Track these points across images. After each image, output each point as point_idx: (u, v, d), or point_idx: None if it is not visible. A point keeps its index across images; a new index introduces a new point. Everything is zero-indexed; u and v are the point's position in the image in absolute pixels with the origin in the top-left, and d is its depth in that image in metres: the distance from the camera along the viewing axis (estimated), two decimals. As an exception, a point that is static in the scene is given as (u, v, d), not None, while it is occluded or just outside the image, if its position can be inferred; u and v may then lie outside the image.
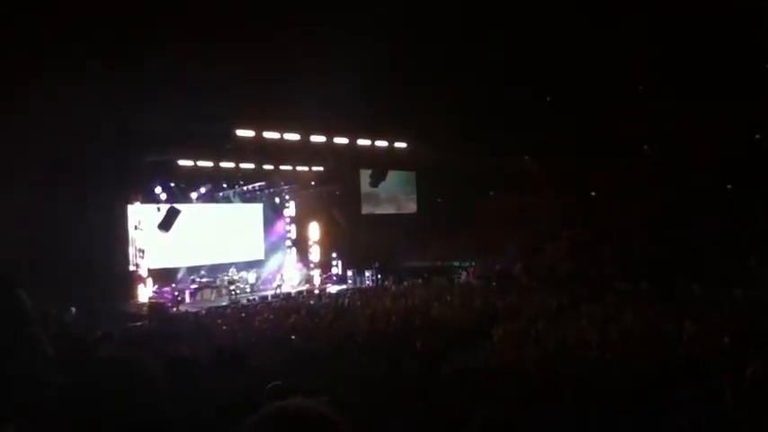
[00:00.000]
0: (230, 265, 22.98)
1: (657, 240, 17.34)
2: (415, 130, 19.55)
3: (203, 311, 17.98)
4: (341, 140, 18.88)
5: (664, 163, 18.58)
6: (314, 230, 24.91)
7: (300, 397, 1.44)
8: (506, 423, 2.67)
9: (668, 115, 17.54)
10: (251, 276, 22.93)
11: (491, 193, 23.94)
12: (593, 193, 21.38)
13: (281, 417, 1.32)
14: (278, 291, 22.33)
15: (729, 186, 18.29)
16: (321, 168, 22.81)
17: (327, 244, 24.79)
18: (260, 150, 18.38)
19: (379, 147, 19.86)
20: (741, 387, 4.30)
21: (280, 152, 18.77)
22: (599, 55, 16.96)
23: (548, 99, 19.55)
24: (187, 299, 21.00)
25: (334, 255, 24.88)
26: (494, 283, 18.42)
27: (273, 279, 23.27)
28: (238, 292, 21.71)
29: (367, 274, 23.57)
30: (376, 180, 22.02)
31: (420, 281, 19.96)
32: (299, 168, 22.47)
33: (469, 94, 18.27)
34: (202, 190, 21.89)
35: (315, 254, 24.95)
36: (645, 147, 19.51)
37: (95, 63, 13.40)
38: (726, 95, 16.13)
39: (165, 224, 19.28)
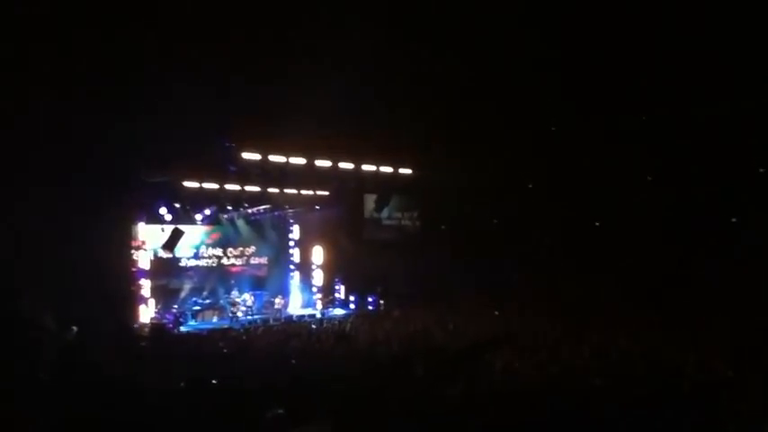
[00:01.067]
0: (233, 286, 22.99)
1: (655, 261, 17.33)
2: (420, 157, 19.66)
3: (204, 333, 17.96)
4: (346, 165, 19.01)
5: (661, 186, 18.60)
6: (317, 254, 24.92)
7: (303, 426, 1.46)
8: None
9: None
10: (253, 299, 22.89)
11: (495, 220, 23.95)
12: (596, 224, 21.38)
13: None
14: (280, 314, 22.28)
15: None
16: (326, 192, 22.94)
17: (330, 268, 24.78)
18: (265, 174, 18.51)
19: (383, 172, 19.98)
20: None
21: (285, 176, 18.89)
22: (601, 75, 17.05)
23: (552, 129, 19.66)
24: (189, 320, 20.97)
25: (336, 279, 24.85)
26: (496, 312, 18.38)
27: (275, 302, 23.23)
28: (240, 314, 21.67)
29: (369, 298, 23.52)
30: (380, 205, 22.09)
31: (422, 305, 19.89)
32: (303, 192, 22.60)
33: (476, 119, 18.39)
34: (207, 212, 21.99)
35: (318, 278, 24.93)
36: (647, 177, 19.54)
37: (101, 83, 13.55)
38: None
39: (169, 245, 19.37)
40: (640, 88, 17.21)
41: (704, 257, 16.31)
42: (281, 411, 3.40)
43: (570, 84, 17.32)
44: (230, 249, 24.30)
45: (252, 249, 24.86)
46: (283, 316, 22.07)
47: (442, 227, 24.27)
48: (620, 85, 17.28)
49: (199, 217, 21.97)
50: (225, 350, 13.92)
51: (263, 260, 25.22)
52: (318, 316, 22.21)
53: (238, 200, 21.85)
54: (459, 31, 15.99)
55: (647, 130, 17.95)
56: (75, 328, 14.00)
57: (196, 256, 23.25)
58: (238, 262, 24.53)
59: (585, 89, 17.50)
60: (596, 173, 19.34)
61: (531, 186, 22.40)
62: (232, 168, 18.05)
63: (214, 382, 9.27)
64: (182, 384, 8.84)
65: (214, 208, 21.98)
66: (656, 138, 17.88)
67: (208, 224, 23.15)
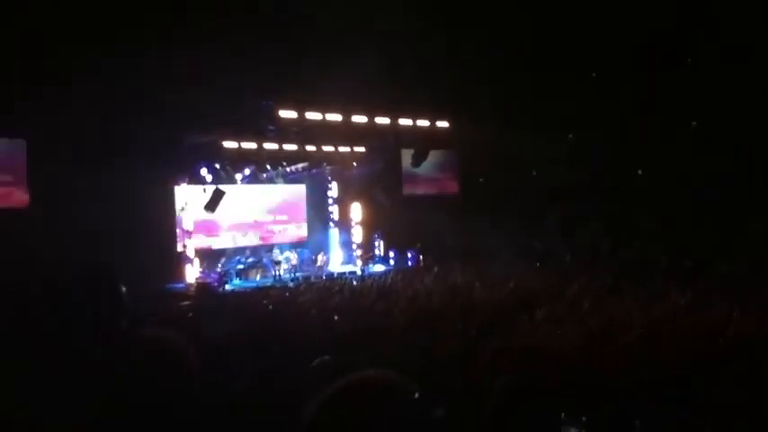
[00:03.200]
0: (274, 245, 23.34)
1: (700, 217, 16.96)
2: (457, 109, 19.40)
3: (248, 291, 18.36)
4: (382, 120, 18.89)
5: (708, 137, 18.04)
6: (356, 211, 25.04)
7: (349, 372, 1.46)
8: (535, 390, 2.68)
9: (713, 84, 16.98)
10: (295, 256, 23.22)
11: (534, 172, 23.62)
12: (639, 172, 20.93)
13: (360, 386, 1.35)
14: (321, 271, 22.60)
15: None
16: (363, 149, 22.92)
17: (369, 224, 24.91)
18: (302, 131, 18.57)
19: (420, 126, 19.80)
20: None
21: (322, 132, 18.92)
22: (643, 30, 16.50)
23: (593, 75, 19.12)
24: (233, 279, 21.44)
25: (376, 235, 24.99)
26: (537, 264, 18.28)
27: (316, 259, 23.53)
28: (282, 272, 22.05)
29: (409, 254, 23.64)
30: (417, 160, 21.97)
31: (462, 261, 19.90)
32: (341, 149, 22.62)
33: (510, 70, 18.00)
34: (247, 171, 22.24)
35: (357, 234, 25.11)
36: (693, 123, 18.95)
37: (140, 44, 13.64)
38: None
39: (211, 205, 19.70)
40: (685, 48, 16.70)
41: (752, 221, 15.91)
42: (327, 358, 3.44)
43: (616, 39, 16.80)
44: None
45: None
46: (324, 273, 22.36)
47: (481, 180, 24.06)
48: (668, 46, 16.75)
49: (239, 177, 22.23)
50: (270, 306, 14.21)
51: (304, 218, 25.48)
52: (359, 272, 22.43)
53: (277, 158, 22.02)
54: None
55: (692, 86, 17.38)
56: (123, 288, 14.43)
57: (238, 216, 23.60)
58: (279, 220, 24.83)
59: (629, 47, 16.97)
60: (643, 130, 18.85)
61: (573, 140, 21.96)
62: (270, 127, 18.14)
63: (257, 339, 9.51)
64: (227, 338, 9.10)
65: (253, 167, 22.19)
66: (701, 95, 17.35)
67: (248, 184, 23.41)
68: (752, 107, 16.46)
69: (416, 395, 1.39)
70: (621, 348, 6.00)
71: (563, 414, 4.22)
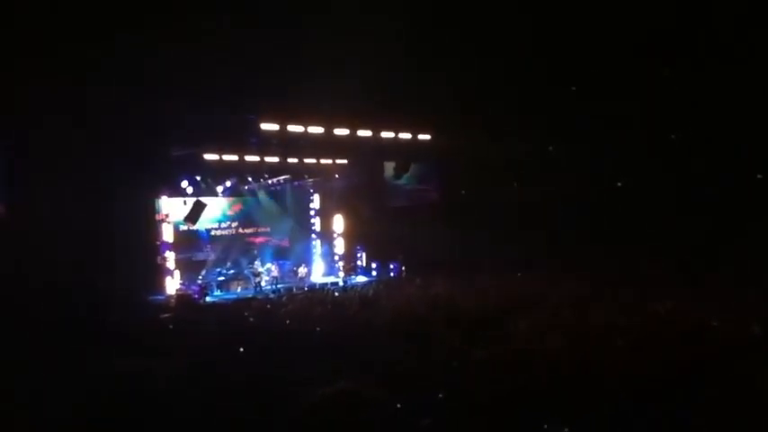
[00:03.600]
0: (256, 257, 23.24)
1: (686, 224, 17.20)
2: (438, 121, 19.53)
3: (229, 303, 18.24)
4: (364, 133, 18.96)
5: (693, 146, 18.32)
6: (338, 223, 25.04)
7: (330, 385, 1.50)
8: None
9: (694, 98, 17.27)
10: (276, 268, 23.13)
11: (515, 184, 23.80)
12: (618, 184, 21.18)
13: (333, 400, 1.39)
14: (303, 282, 22.53)
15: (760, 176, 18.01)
16: (345, 161, 22.98)
17: (351, 236, 24.91)
18: (284, 144, 18.57)
19: (402, 139, 19.91)
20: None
21: (303, 145, 18.93)
22: (625, 39, 16.76)
23: (573, 89, 19.36)
24: (214, 290, 21.30)
25: (358, 247, 25.00)
26: (519, 275, 18.40)
27: (298, 271, 23.47)
28: (264, 283, 21.95)
29: (391, 265, 23.68)
30: (399, 172, 22.06)
31: (444, 271, 19.96)
32: (322, 161, 22.66)
33: (492, 82, 18.18)
34: (228, 183, 22.16)
35: (339, 246, 25.10)
36: (672, 136, 19.25)
37: (122, 57, 13.61)
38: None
39: (192, 217, 19.61)
40: (678, 56, 16.97)
41: (735, 225, 16.17)
42: (310, 374, 3.46)
43: (597, 49, 17.04)
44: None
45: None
46: (306, 284, 22.31)
47: (463, 192, 24.19)
48: (657, 49, 17.01)
49: (220, 189, 22.15)
50: (251, 319, 14.13)
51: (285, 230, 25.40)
52: (341, 283, 22.41)
53: (259, 171, 22.00)
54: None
55: (680, 92, 17.66)
56: (101, 299, 14.30)
57: (219, 228, 23.48)
58: (261, 232, 24.74)
59: (613, 53, 17.21)
60: (624, 138, 19.09)
61: (553, 151, 22.18)
62: (252, 140, 18.13)
63: (241, 349, 9.46)
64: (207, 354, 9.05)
65: (235, 179, 22.13)
66: (686, 101, 17.61)
67: (229, 196, 23.33)
68: (742, 115, 16.74)
69: (389, 405, 1.42)
70: (604, 354, 6.07)
71: (546, 424, 4.27)
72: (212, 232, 23.16)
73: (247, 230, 24.35)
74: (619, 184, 21.32)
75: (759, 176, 17.75)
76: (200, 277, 21.67)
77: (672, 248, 16.92)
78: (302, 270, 23.42)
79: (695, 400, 4.52)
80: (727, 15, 15.15)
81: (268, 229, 24.89)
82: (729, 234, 16.03)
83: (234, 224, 23.99)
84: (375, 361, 6.65)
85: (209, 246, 22.88)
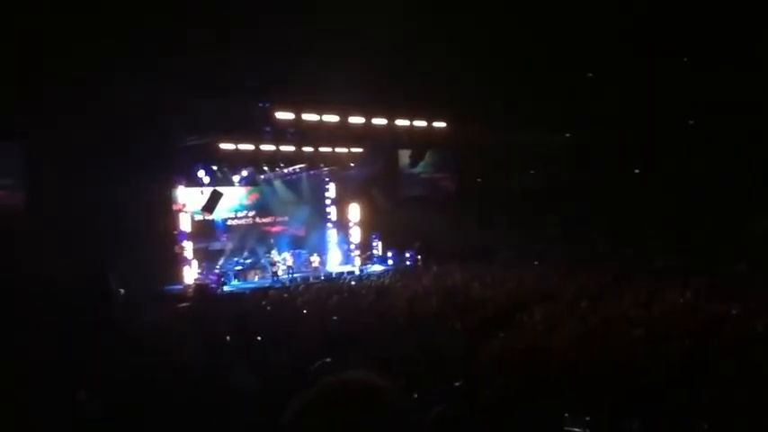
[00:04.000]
0: (272, 246, 23.29)
1: (699, 216, 17.01)
2: (454, 109, 19.41)
3: (247, 292, 18.36)
4: (379, 121, 18.89)
5: (707, 136, 18.09)
6: (354, 212, 25.02)
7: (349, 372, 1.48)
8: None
9: (710, 86, 17.04)
10: (292, 257, 23.19)
11: (531, 171, 23.66)
12: (636, 171, 20.97)
13: (330, 390, 1.37)
14: (319, 272, 22.58)
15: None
16: (360, 149, 22.94)
17: (367, 225, 24.89)
18: (299, 132, 18.56)
19: (417, 127, 19.81)
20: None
21: (319, 134, 18.91)
22: (640, 27, 16.56)
23: (588, 75, 19.17)
24: (231, 280, 21.41)
25: (374, 236, 24.98)
26: (535, 263, 18.31)
27: (314, 260, 23.51)
28: (280, 273, 22.01)
29: (407, 254, 23.65)
30: (415, 160, 21.99)
31: (460, 261, 19.92)
32: (338, 150, 22.63)
33: (509, 70, 18.04)
34: (244, 173, 22.20)
35: (355, 235, 25.10)
36: (690, 121, 19.00)
37: (137, 48, 13.66)
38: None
39: (209, 207, 19.70)
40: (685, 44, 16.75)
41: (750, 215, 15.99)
42: (327, 360, 3.45)
43: (610, 37, 16.87)
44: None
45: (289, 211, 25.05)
46: (323, 273, 22.34)
47: (479, 180, 24.09)
48: (664, 38, 16.79)
49: (236, 178, 22.21)
50: (268, 308, 14.21)
51: (301, 219, 25.44)
52: (357, 273, 22.43)
53: (274, 160, 22.01)
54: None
55: (690, 81, 17.43)
56: (122, 290, 14.45)
57: (236, 217, 23.57)
58: (277, 221, 24.81)
59: (637, 39, 17.01)
60: (640, 128, 18.89)
61: (570, 139, 21.97)
62: (267, 129, 18.14)
63: (259, 338, 9.53)
64: (228, 339, 9.13)
65: (251, 169, 22.16)
66: (697, 91, 17.40)
67: (245, 185, 23.39)
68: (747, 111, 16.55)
69: (397, 396, 1.40)
70: (620, 347, 6.02)
71: (566, 414, 4.24)
72: (229, 222, 23.24)
73: (264, 220, 24.41)
74: (637, 171, 21.11)
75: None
76: (218, 267, 21.78)
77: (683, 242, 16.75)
78: (318, 259, 23.46)
79: (700, 399, 4.47)
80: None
81: (284, 219, 24.93)
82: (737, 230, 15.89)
83: (251, 213, 24.05)
84: (389, 352, 6.66)
85: (226, 235, 22.98)
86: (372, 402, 1.35)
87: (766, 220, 15.49)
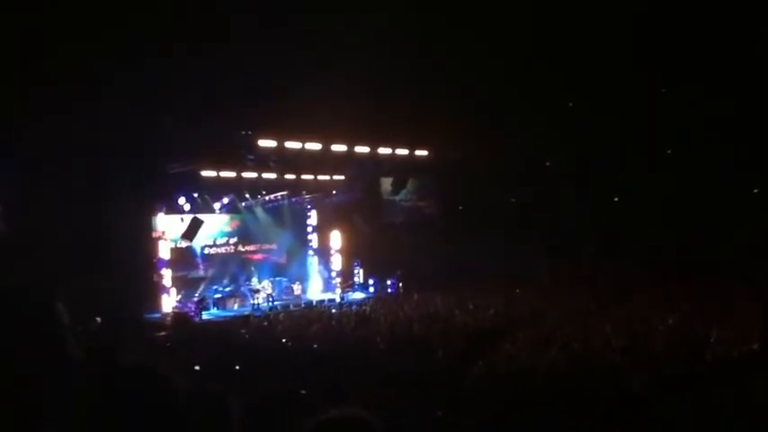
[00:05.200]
0: (252, 274, 23.11)
1: (684, 240, 17.19)
2: (436, 137, 19.57)
3: (226, 321, 18.14)
4: (362, 149, 18.99)
5: (689, 162, 18.36)
6: (335, 239, 24.96)
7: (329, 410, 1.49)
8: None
9: (689, 116, 17.37)
10: (272, 285, 23.01)
11: (512, 199, 23.82)
12: (615, 199, 21.19)
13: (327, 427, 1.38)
14: (300, 299, 22.41)
15: (756, 190, 18.07)
16: (342, 177, 22.99)
17: (349, 252, 24.82)
18: (281, 160, 18.58)
19: (399, 155, 19.95)
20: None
21: (301, 161, 18.95)
22: (620, 54, 16.88)
23: (570, 105, 19.46)
24: (210, 307, 21.15)
25: (355, 263, 24.90)
26: (517, 290, 18.34)
27: (295, 288, 23.35)
28: (261, 300, 21.82)
29: (389, 281, 23.57)
30: (397, 188, 22.07)
31: (442, 287, 19.89)
32: (320, 177, 22.66)
33: (489, 96, 18.26)
34: (225, 200, 22.09)
35: (336, 262, 25.01)
36: (668, 151, 19.31)
37: (119, 74, 13.63)
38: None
39: (189, 234, 19.54)
40: (665, 64, 17.06)
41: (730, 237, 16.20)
42: (303, 392, 3.38)
43: (589, 62, 17.16)
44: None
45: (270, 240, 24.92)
46: (303, 301, 22.17)
47: (460, 208, 24.19)
48: (645, 63, 17.11)
49: (217, 206, 22.09)
50: (247, 336, 14.05)
51: (282, 247, 25.31)
52: (338, 300, 22.29)
53: (256, 187, 21.96)
54: (475, 10, 15.90)
55: (673, 102, 17.74)
56: (98, 318, 14.18)
57: (216, 245, 23.39)
58: (258, 249, 24.65)
59: (606, 66, 17.31)
60: (618, 151, 19.13)
61: (549, 166, 22.18)
62: (249, 156, 18.13)
63: (237, 368, 9.38)
64: (199, 369, 8.97)
65: (232, 196, 22.07)
66: (680, 111, 17.69)
67: (226, 212, 23.26)
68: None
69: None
70: (603, 370, 6.01)
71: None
72: (209, 249, 23.05)
73: (245, 247, 24.25)
74: (616, 199, 21.33)
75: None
76: (197, 295, 21.52)
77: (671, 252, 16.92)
78: (299, 287, 23.31)
79: (693, 407, 4.47)
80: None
81: (265, 246, 24.79)
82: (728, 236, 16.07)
83: (231, 241, 23.89)
84: (370, 379, 6.59)
85: (205, 263, 22.77)
86: None
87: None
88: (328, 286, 24.89)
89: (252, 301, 21.71)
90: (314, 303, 21.69)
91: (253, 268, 23.55)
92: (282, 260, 25.11)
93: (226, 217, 23.56)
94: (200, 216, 19.71)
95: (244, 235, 24.16)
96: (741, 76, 16.14)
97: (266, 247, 24.77)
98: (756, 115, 16.38)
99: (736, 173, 17.37)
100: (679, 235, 17.69)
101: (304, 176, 22.05)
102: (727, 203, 17.02)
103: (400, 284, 23.12)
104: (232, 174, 20.03)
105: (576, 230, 20.53)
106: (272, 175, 20.93)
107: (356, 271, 24.90)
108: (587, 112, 18.71)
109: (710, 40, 16.04)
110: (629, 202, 20.33)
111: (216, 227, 23.26)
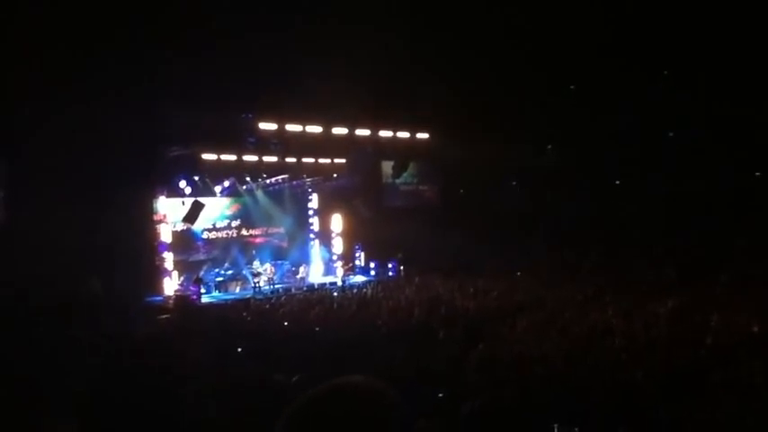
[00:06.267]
0: (254, 257, 23.15)
1: (683, 230, 17.16)
2: (438, 121, 19.49)
3: (228, 304, 18.18)
4: (363, 132, 18.90)
5: (690, 153, 18.30)
6: (336, 222, 24.95)
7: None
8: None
9: (692, 106, 17.28)
10: (274, 269, 23.04)
11: (514, 183, 23.76)
12: (617, 182, 21.14)
13: (337, 391, 1.34)
14: (301, 283, 22.46)
15: (758, 174, 18.02)
16: (343, 160, 22.92)
17: (350, 235, 24.81)
18: (282, 143, 18.51)
19: (400, 138, 19.86)
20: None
21: (302, 144, 18.87)
22: (619, 43, 16.77)
23: (571, 87, 19.34)
24: (212, 291, 21.21)
25: (356, 246, 24.91)
26: (518, 274, 18.35)
27: (297, 271, 23.40)
28: (262, 284, 21.86)
29: (390, 265, 23.60)
30: (398, 171, 22.00)
31: (443, 271, 19.91)
32: (321, 161, 22.59)
33: (492, 83, 18.15)
34: (226, 183, 22.06)
35: (338, 245, 25.01)
36: (669, 134, 19.22)
37: (119, 58, 13.56)
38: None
39: (190, 217, 19.52)
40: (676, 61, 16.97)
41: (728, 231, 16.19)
42: (304, 375, 3.38)
43: (600, 49, 17.05)
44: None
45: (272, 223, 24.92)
46: (305, 284, 22.22)
47: (461, 191, 24.14)
48: (654, 55, 17.01)
49: (218, 189, 22.06)
50: (249, 318, 14.07)
51: (283, 230, 25.34)
52: (339, 283, 22.33)
53: (257, 170, 21.92)
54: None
55: (677, 99, 17.65)
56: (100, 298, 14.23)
57: (217, 228, 23.40)
58: (259, 232, 24.68)
59: (616, 54, 17.20)
60: (623, 142, 19.06)
61: (552, 151, 22.12)
62: (250, 139, 18.06)
63: (239, 350, 9.40)
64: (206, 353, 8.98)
65: (233, 179, 22.03)
66: (685, 109, 17.62)
67: (227, 196, 23.24)
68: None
69: (394, 400, 1.39)
70: (603, 355, 6.02)
71: (555, 425, 4.21)
72: (210, 233, 23.08)
73: (246, 231, 24.28)
74: (617, 182, 21.28)
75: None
76: (199, 275, 21.55)
77: (672, 250, 16.89)
78: (301, 270, 23.35)
79: (689, 409, 4.47)
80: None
81: (267, 230, 24.81)
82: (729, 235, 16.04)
83: (233, 224, 23.91)
84: (372, 363, 6.60)
85: (207, 246, 22.80)
86: (379, 402, 1.34)
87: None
88: (329, 269, 24.93)
89: (253, 284, 21.75)
90: (315, 286, 21.75)
91: (254, 251, 23.60)
92: (284, 243, 25.15)
93: (227, 200, 23.56)
94: (201, 199, 19.68)
95: (245, 218, 24.18)
96: (741, 77, 16.05)
97: (267, 230, 24.79)
98: (756, 115, 16.34)
99: (736, 173, 17.42)
100: (679, 233, 17.68)
101: (305, 160, 21.98)
102: (726, 204, 17.02)
103: (401, 268, 23.14)
104: (233, 157, 19.98)
105: (577, 217, 20.51)
106: (273, 159, 20.88)
107: (357, 254, 24.93)
108: (592, 101, 18.62)
109: (711, 40, 15.97)
110: (631, 187, 20.29)
111: (217, 210, 23.27)
